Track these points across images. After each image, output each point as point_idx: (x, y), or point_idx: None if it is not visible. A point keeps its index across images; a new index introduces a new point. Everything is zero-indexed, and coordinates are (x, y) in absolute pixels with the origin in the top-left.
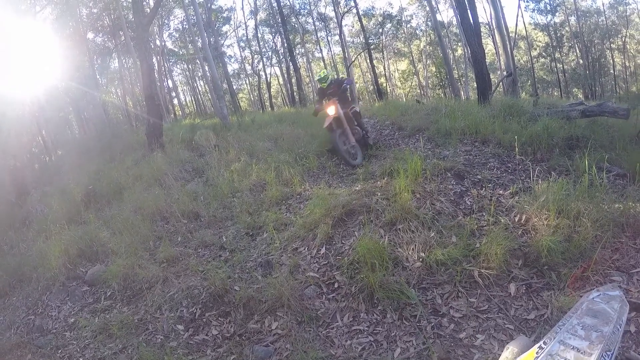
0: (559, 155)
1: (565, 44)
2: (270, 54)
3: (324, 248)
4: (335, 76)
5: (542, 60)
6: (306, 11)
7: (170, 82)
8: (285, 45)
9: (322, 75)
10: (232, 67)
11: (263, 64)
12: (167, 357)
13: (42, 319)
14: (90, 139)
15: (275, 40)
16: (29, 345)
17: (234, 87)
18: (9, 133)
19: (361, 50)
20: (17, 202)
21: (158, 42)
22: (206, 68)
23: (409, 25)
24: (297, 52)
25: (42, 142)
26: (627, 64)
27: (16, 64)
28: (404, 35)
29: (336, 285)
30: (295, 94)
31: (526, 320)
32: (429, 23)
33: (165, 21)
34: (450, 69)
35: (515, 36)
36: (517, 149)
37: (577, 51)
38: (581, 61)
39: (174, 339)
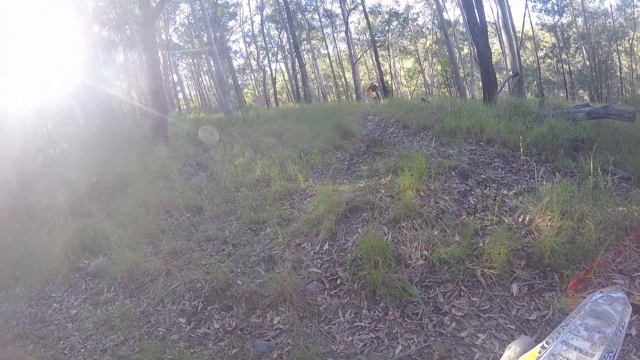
0: (563, 156)
1: (572, 45)
2: (275, 50)
3: (327, 244)
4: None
5: (549, 60)
6: (312, 7)
7: (175, 76)
8: (291, 41)
9: None
10: (237, 62)
11: (268, 59)
12: (169, 350)
13: (45, 310)
14: (95, 132)
15: (281, 36)
16: (31, 335)
17: (239, 82)
18: (14, 125)
19: (367, 48)
20: (21, 194)
21: (164, 36)
22: (211, 63)
23: (415, 23)
24: (303, 48)
25: (47, 134)
26: (633, 66)
27: (21, 57)
28: (410, 33)
29: (339, 281)
30: (300, 90)
31: (527, 321)
32: (436, 21)
33: (171, 15)
34: (456, 67)
35: (522, 36)
36: (522, 149)
37: (584, 52)
38: (588, 63)
39: (176, 332)
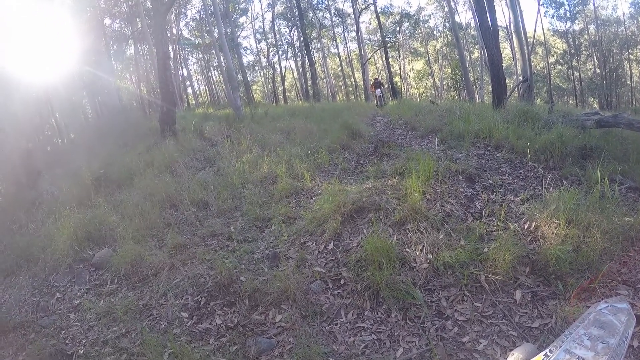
0: (571, 164)
1: (583, 52)
2: (286, 48)
3: (331, 244)
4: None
5: (559, 67)
6: (324, 6)
7: (185, 70)
8: (302, 39)
9: None
10: (247, 58)
11: (278, 57)
12: (170, 344)
13: (48, 300)
14: (103, 124)
15: (291, 34)
16: (33, 324)
17: (249, 79)
18: (22, 115)
19: (377, 48)
20: (27, 183)
21: (174, 31)
22: (221, 58)
23: (426, 25)
24: (313, 46)
25: (55, 124)
26: None
27: (32, 47)
28: (421, 35)
29: (342, 281)
30: (309, 88)
31: (530, 328)
32: (447, 24)
33: (183, 10)
34: (466, 71)
35: (533, 41)
36: (529, 155)
37: (595, 60)
38: (598, 70)
39: (178, 326)
